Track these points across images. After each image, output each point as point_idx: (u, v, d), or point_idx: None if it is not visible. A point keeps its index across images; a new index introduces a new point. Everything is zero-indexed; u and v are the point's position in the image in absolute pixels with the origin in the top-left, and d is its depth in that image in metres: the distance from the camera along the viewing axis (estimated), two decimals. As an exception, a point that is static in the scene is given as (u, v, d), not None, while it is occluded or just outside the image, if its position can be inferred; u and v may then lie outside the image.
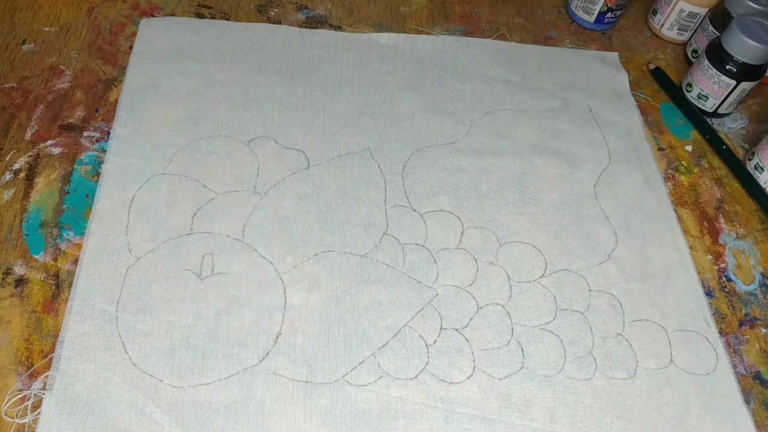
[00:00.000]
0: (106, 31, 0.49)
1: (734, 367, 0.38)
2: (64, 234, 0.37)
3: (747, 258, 0.43)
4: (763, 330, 0.40)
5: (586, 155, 0.47)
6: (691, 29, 0.56)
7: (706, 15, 0.54)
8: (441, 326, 0.37)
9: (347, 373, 0.34)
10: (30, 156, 0.41)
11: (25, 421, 0.31)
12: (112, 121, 0.43)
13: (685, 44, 0.57)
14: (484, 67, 0.51)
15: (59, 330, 0.34)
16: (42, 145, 0.41)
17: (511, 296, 0.38)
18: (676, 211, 0.45)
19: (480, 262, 0.40)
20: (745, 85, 0.49)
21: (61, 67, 0.46)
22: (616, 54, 0.55)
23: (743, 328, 0.40)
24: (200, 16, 0.51)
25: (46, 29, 0.48)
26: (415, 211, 0.41)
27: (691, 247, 0.43)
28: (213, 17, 0.51)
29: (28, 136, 0.42)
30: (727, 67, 0.48)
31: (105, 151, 0.41)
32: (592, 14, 0.56)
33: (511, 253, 0.40)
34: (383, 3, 0.56)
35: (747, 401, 0.36)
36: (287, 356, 0.34)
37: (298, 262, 0.38)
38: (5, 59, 0.46)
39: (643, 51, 0.57)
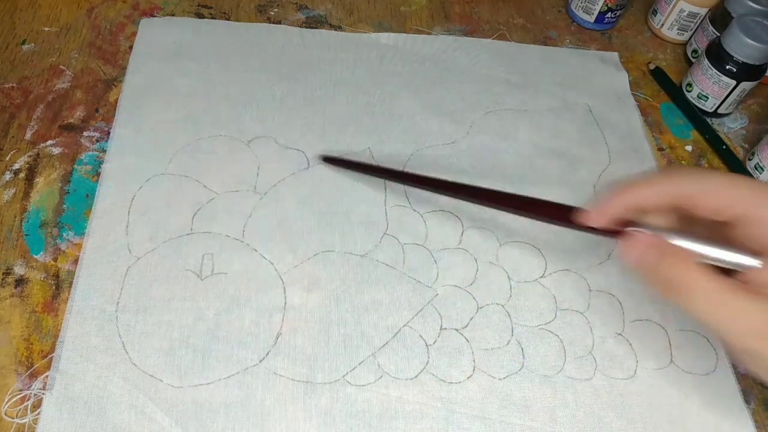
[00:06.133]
0: (106, 31, 0.49)
1: (734, 367, 0.38)
2: (64, 234, 0.37)
3: (747, 258, 0.43)
4: (763, 330, 0.40)
5: (586, 155, 0.47)
6: (691, 29, 0.56)
7: (706, 15, 0.54)
8: (441, 326, 0.37)
9: (347, 373, 0.34)
10: (30, 156, 0.41)
11: (25, 421, 0.31)
12: (112, 121, 0.43)
13: (685, 44, 0.57)
14: (484, 67, 0.51)
15: (59, 330, 0.34)
16: (42, 145, 0.41)
17: (511, 296, 0.38)
18: (676, 211, 0.45)
19: (480, 262, 0.40)
20: (745, 85, 0.49)
21: (61, 67, 0.46)
22: (616, 54, 0.55)
23: (743, 328, 0.40)
24: (200, 16, 0.51)
25: (46, 29, 0.48)
26: (415, 211, 0.41)
27: (691, 247, 0.43)
28: (213, 17, 0.51)
29: (28, 136, 0.42)
30: (727, 67, 0.48)
31: (105, 151, 0.41)
32: (592, 14, 0.56)
33: (511, 253, 0.40)
34: (383, 3, 0.56)
35: (747, 401, 0.36)
36: (287, 356, 0.34)
37: (298, 262, 0.38)
38: (5, 59, 0.46)
39: (643, 51, 0.57)
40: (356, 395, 0.34)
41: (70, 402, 0.31)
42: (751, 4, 0.50)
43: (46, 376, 0.32)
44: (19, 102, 0.43)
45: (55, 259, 0.36)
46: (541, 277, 0.40)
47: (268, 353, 0.34)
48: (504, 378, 0.35)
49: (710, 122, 0.51)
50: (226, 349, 0.34)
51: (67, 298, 0.35)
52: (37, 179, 0.40)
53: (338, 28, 0.53)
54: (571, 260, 0.41)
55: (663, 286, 0.26)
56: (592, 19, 0.56)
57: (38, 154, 0.41)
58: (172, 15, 0.51)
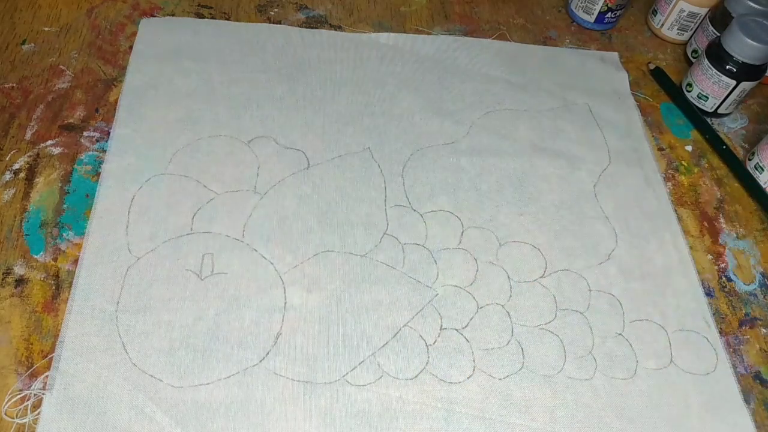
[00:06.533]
0: (106, 31, 0.49)
1: (734, 367, 0.38)
2: (64, 234, 0.37)
3: (747, 258, 0.43)
4: (763, 330, 0.40)
5: (586, 155, 0.47)
6: (691, 29, 0.56)
7: (706, 15, 0.54)
8: (441, 326, 0.37)
9: (347, 373, 0.34)
10: (30, 156, 0.41)
11: (25, 421, 0.31)
12: (112, 121, 0.43)
13: (685, 44, 0.57)
14: (484, 67, 0.51)
15: (59, 330, 0.34)
16: (42, 145, 0.41)
17: (511, 296, 0.38)
18: (676, 211, 0.45)
19: (480, 262, 0.40)
20: (745, 85, 0.49)
21: (61, 67, 0.46)
22: (616, 54, 0.55)
23: (743, 328, 0.40)
24: (200, 16, 0.51)
25: (46, 29, 0.48)
26: (415, 211, 0.41)
27: (691, 247, 0.43)
28: (213, 17, 0.51)
29: (28, 136, 0.42)
30: (727, 67, 0.48)
31: (105, 151, 0.41)
32: (592, 14, 0.56)
33: (511, 253, 0.40)
34: (383, 3, 0.56)
35: (747, 401, 0.36)
36: (287, 356, 0.34)
37: (298, 262, 0.38)
38: (5, 59, 0.46)
39: (643, 51, 0.57)
40: (356, 395, 0.34)
41: (70, 402, 0.31)
42: (751, 4, 0.50)
43: (46, 376, 0.32)
44: (19, 102, 0.43)
45: (55, 259, 0.36)
46: (541, 277, 0.40)
47: (268, 353, 0.34)
48: (504, 378, 0.35)
49: (710, 122, 0.51)
50: (226, 349, 0.34)
51: (67, 298, 0.35)
52: (37, 179, 0.40)
53: (338, 28, 0.53)
54: (571, 260, 0.41)
55: None
56: (592, 19, 0.56)
57: (38, 154, 0.41)
58: (172, 15, 0.51)
